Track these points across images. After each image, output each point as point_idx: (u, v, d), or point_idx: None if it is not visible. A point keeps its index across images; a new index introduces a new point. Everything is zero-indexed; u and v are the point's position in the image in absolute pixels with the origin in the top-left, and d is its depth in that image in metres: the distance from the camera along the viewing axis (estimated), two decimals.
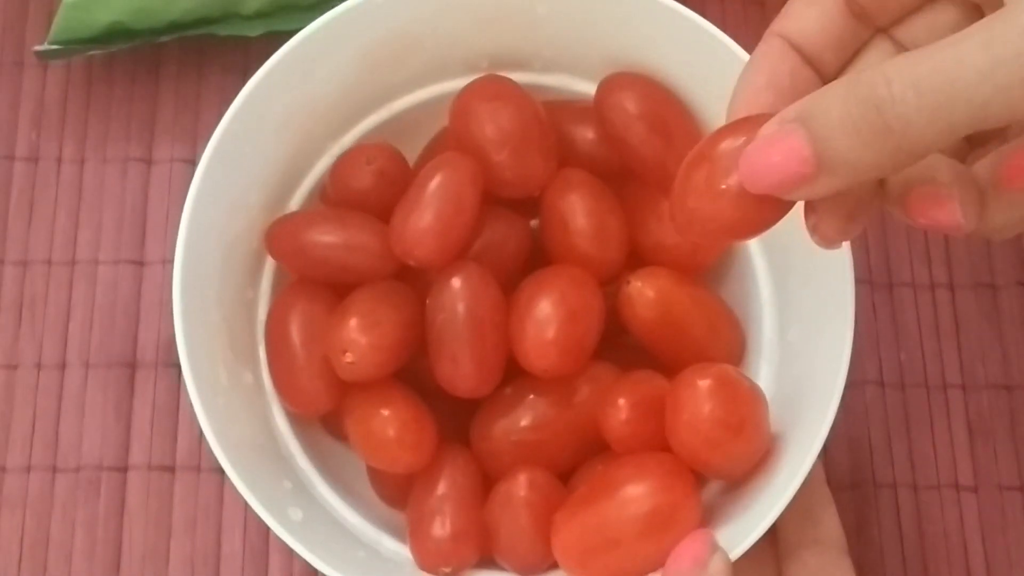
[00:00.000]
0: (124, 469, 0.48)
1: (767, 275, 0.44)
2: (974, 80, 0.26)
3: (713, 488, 0.42)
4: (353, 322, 0.40)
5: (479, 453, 0.42)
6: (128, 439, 0.49)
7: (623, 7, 0.43)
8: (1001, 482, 0.49)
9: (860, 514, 0.48)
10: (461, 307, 0.41)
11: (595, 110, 0.45)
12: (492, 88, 0.44)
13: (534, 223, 0.45)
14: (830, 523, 0.42)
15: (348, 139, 0.46)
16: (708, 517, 0.40)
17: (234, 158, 0.42)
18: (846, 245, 0.40)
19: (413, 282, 0.43)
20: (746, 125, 0.30)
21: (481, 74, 0.45)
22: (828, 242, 0.31)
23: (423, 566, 0.41)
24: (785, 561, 0.41)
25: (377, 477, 0.44)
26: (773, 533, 0.42)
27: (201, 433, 0.43)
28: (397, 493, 0.44)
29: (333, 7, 0.42)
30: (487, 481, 0.42)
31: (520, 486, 0.40)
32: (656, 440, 0.39)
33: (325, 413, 0.43)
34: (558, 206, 0.43)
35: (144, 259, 0.51)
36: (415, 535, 0.41)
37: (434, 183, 0.42)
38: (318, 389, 0.42)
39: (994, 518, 0.48)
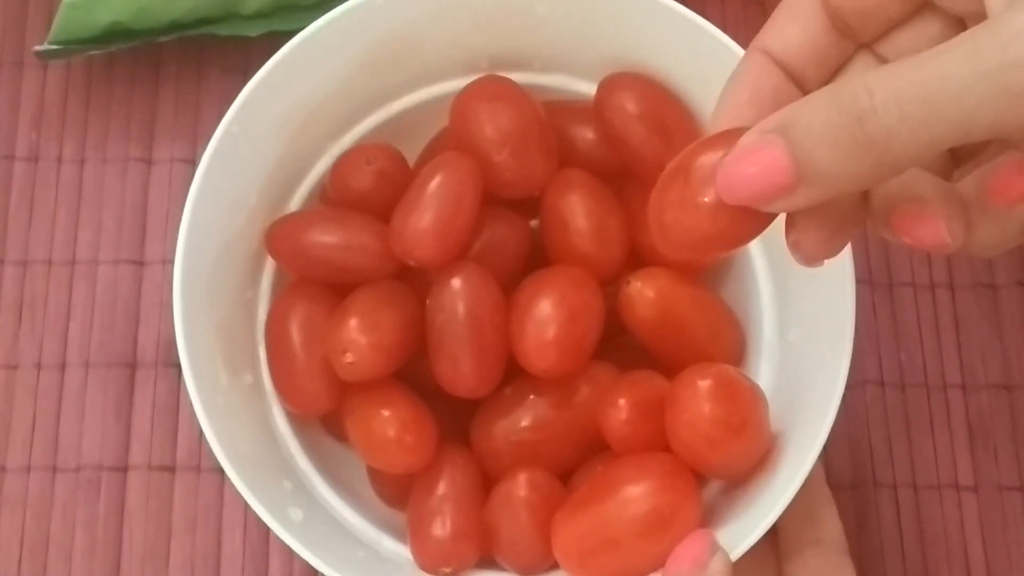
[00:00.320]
0: (124, 469, 0.48)
1: (767, 275, 0.44)
2: (956, 93, 0.25)
3: (713, 488, 0.42)
4: (353, 322, 0.40)
5: (479, 453, 0.42)
6: (128, 439, 0.49)
7: (623, 7, 0.43)
8: (1001, 482, 0.49)
9: (860, 514, 0.48)
10: (461, 307, 0.41)
11: (595, 110, 0.45)
12: (492, 88, 0.44)
13: (534, 223, 0.45)
14: (831, 523, 0.42)
15: (348, 139, 0.46)
16: (708, 517, 0.40)
17: (234, 158, 0.42)
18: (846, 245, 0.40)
19: (413, 282, 0.43)
20: (724, 139, 0.30)
21: (481, 74, 0.45)
22: (809, 260, 0.30)
23: (423, 566, 0.41)
24: (786, 561, 0.41)
25: (377, 477, 0.44)
26: (774, 533, 0.42)
27: (201, 433, 0.43)
28: (397, 493, 0.44)
29: (333, 7, 0.42)
30: (487, 481, 0.42)
31: (520, 486, 0.40)
32: (656, 440, 0.39)
33: (325, 413, 0.43)
34: (558, 206, 0.43)
35: (144, 259, 0.51)
36: (415, 535, 0.41)
37: (434, 183, 0.42)
38: (318, 389, 0.42)
39: (994, 518, 0.48)
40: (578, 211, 0.43)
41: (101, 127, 0.53)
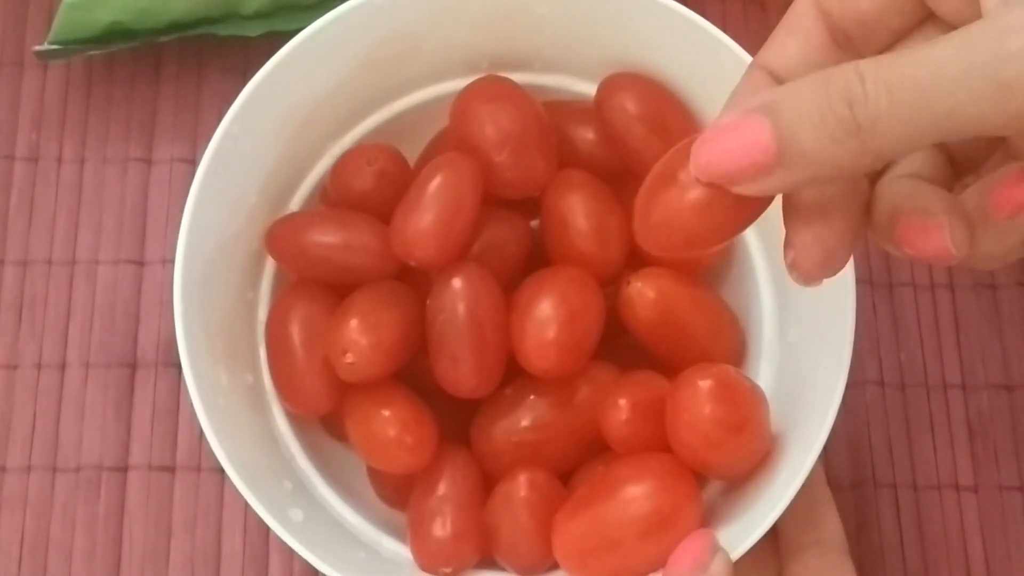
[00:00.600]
0: (124, 469, 0.48)
1: (768, 275, 0.44)
2: (947, 83, 0.25)
3: (714, 488, 0.42)
4: (353, 323, 0.40)
5: (479, 453, 0.42)
6: (128, 439, 0.49)
7: (623, 7, 0.43)
8: (1001, 482, 0.49)
9: (860, 514, 0.48)
10: (461, 307, 0.41)
11: (595, 110, 0.45)
12: (492, 89, 0.44)
13: (534, 223, 0.45)
14: (831, 524, 0.42)
15: (348, 139, 0.46)
16: (709, 517, 0.40)
17: (234, 158, 0.42)
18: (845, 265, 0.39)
19: (413, 282, 0.43)
20: None
21: (481, 75, 0.45)
22: (807, 279, 0.30)
23: (423, 566, 0.41)
24: (786, 562, 0.41)
25: (377, 477, 0.44)
26: (774, 534, 0.42)
27: (201, 433, 0.43)
28: (397, 493, 0.44)
29: (333, 7, 0.42)
30: (487, 481, 0.42)
31: (520, 486, 0.40)
32: (656, 440, 0.39)
33: (325, 414, 0.43)
34: (558, 206, 0.43)
35: (144, 259, 0.51)
36: (415, 535, 0.41)
37: (434, 184, 0.42)
38: (318, 390, 0.42)
39: (994, 518, 0.48)
40: (578, 211, 0.43)
41: (101, 127, 0.53)
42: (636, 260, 0.44)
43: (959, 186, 0.33)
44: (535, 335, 0.40)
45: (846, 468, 0.49)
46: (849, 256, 0.31)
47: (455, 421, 0.43)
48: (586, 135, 0.46)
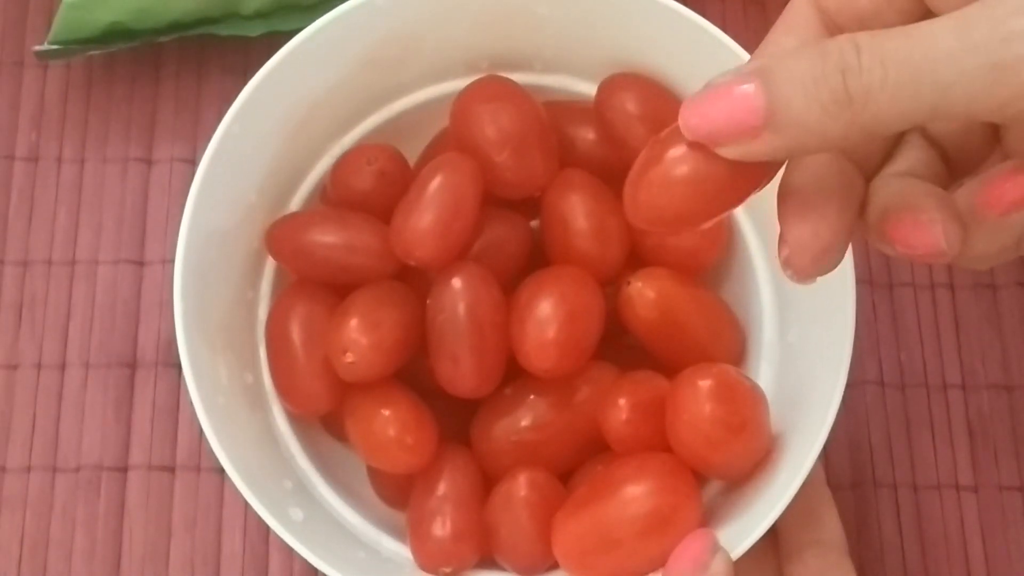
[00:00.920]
0: (124, 469, 0.48)
1: (768, 275, 0.44)
2: (941, 62, 0.25)
3: (713, 488, 0.42)
4: (353, 322, 0.40)
5: (479, 453, 0.42)
6: (128, 439, 0.49)
7: (623, 7, 0.43)
8: (1001, 482, 0.49)
9: (860, 514, 0.48)
10: (461, 307, 0.41)
11: (595, 111, 0.45)
12: (493, 89, 0.44)
13: (534, 223, 0.45)
14: (831, 524, 0.42)
15: (349, 139, 0.46)
16: (709, 517, 0.40)
17: (234, 158, 0.42)
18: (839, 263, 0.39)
19: (413, 282, 0.43)
20: None
21: (482, 75, 0.45)
22: (801, 277, 0.30)
23: (423, 566, 0.41)
24: (786, 562, 0.41)
25: (377, 477, 0.44)
26: (774, 534, 0.42)
27: (201, 433, 0.43)
28: (397, 493, 0.44)
29: (333, 7, 0.42)
30: (487, 481, 0.42)
31: (520, 486, 0.40)
32: (656, 440, 0.39)
33: (325, 413, 0.43)
34: (558, 206, 0.43)
35: (144, 259, 0.51)
36: (415, 535, 0.41)
37: (435, 183, 0.42)
38: (318, 389, 0.42)
39: (994, 518, 0.48)
40: (578, 211, 0.43)
41: (101, 127, 0.53)
42: (636, 260, 0.44)
43: (955, 187, 0.33)
44: (535, 335, 0.40)
45: (846, 468, 0.49)
46: (843, 254, 0.30)
47: (455, 421, 0.43)
48: (586, 135, 0.46)
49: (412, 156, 0.46)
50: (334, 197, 0.45)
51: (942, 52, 0.25)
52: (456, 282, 0.41)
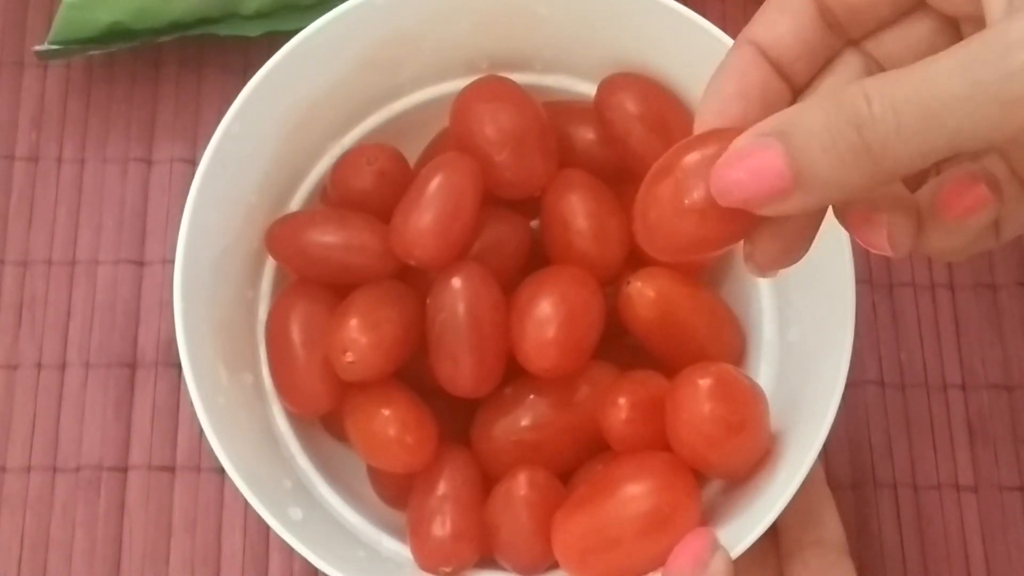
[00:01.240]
0: (124, 469, 0.48)
1: None
2: (951, 103, 0.26)
3: (713, 487, 0.42)
4: (353, 322, 0.40)
5: (479, 453, 0.42)
6: (128, 439, 0.49)
7: (623, 7, 0.43)
8: (1001, 482, 0.49)
9: (860, 514, 0.48)
10: (461, 307, 0.41)
11: (595, 110, 0.45)
12: (492, 89, 0.44)
13: (534, 223, 0.45)
14: (831, 524, 0.42)
15: (349, 139, 0.46)
16: (708, 516, 0.40)
17: (234, 158, 0.42)
18: (846, 245, 0.40)
19: (413, 282, 0.43)
20: (712, 138, 0.30)
21: (482, 75, 0.45)
22: (761, 271, 0.31)
23: (423, 566, 0.41)
24: (786, 562, 0.41)
25: (377, 477, 0.44)
26: (774, 534, 0.42)
27: (201, 433, 0.43)
28: (397, 493, 0.44)
29: (333, 7, 0.42)
30: (487, 481, 0.42)
31: (520, 485, 0.40)
32: (656, 439, 0.39)
33: (325, 413, 0.43)
34: (558, 206, 0.43)
35: (144, 259, 0.51)
36: (415, 535, 0.41)
37: (434, 183, 0.42)
38: (318, 389, 0.42)
39: (994, 518, 0.48)
40: (578, 211, 0.43)
41: (101, 127, 0.53)
42: (636, 260, 0.44)
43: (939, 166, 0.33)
44: (535, 334, 0.40)
45: (846, 468, 0.49)
46: (807, 249, 0.31)
47: (455, 421, 0.43)
48: (586, 135, 0.46)
49: (412, 156, 0.46)
50: (334, 197, 0.45)
51: (951, 94, 0.26)
52: (456, 282, 0.41)
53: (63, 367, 0.50)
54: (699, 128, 0.32)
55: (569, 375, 0.41)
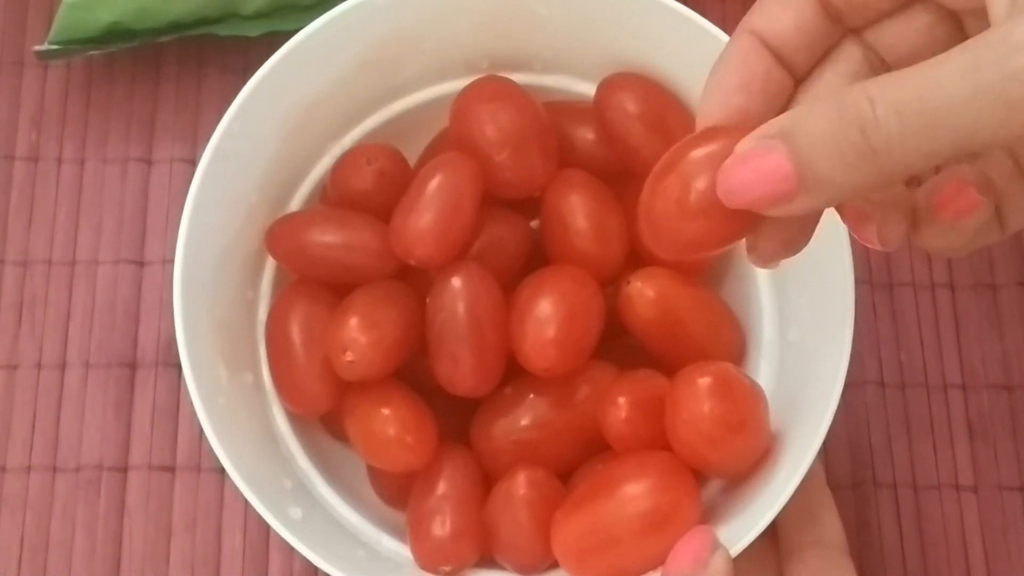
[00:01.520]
0: (124, 469, 0.48)
1: (767, 275, 0.44)
2: (955, 105, 0.26)
3: (713, 487, 0.42)
4: (353, 321, 0.40)
5: (479, 453, 0.42)
6: (128, 439, 0.49)
7: (623, 7, 0.43)
8: (1001, 482, 0.49)
9: (860, 514, 0.48)
10: (461, 307, 0.41)
11: (595, 110, 0.45)
12: (492, 89, 0.44)
13: (534, 223, 0.45)
14: (831, 524, 0.42)
15: (349, 139, 0.46)
16: (708, 516, 0.40)
17: (234, 158, 0.42)
18: (846, 245, 0.40)
19: (413, 282, 0.43)
20: (714, 136, 0.30)
21: (482, 75, 0.45)
22: (764, 262, 0.31)
23: (423, 565, 0.41)
24: (786, 562, 0.41)
25: (377, 477, 0.44)
26: (774, 534, 0.42)
27: (201, 433, 0.43)
28: (397, 493, 0.44)
29: (333, 7, 0.42)
30: (487, 481, 0.42)
31: (520, 485, 0.40)
32: (656, 439, 0.39)
33: (325, 413, 0.43)
34: (558, 206, 0.43)
35: (144, 259, 0.51)
36: (415, 534, 0.41)
37: (434, 183, 0.42)
38: (318, 389, 0.42)
39: (994, 518, 0.48)
40: (578, 211, 0.43)
41: (101, 127, 0.53)
42: (636, 260, 0.44)
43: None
44: (535, 334, 0.40)
45: (846, 468, 0.49)
46: (808, 240, 0.31)
47: (455, 420, 0.43)
48: (586, 135, 0.46)
49: (412, 156, 0.46)
50: (334, 197, 0.45)
51: (954, 96, 0.26)
52: (456, 281, 0.41)
53: (63, 367, 0.50)
54: (702, 122, 0.32)
55: (569, 375, 0.41)
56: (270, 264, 0.45)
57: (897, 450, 0.49)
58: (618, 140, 0.44)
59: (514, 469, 0.41)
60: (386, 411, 0.41)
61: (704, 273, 0.46)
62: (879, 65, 0.32)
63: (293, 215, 0.45)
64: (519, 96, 0.44)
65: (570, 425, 0.42)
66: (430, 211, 0.41)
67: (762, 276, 0.44)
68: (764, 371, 0.43)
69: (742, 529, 0.38)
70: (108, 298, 0.50)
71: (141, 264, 0.51)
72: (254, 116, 0.42)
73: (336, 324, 0.41)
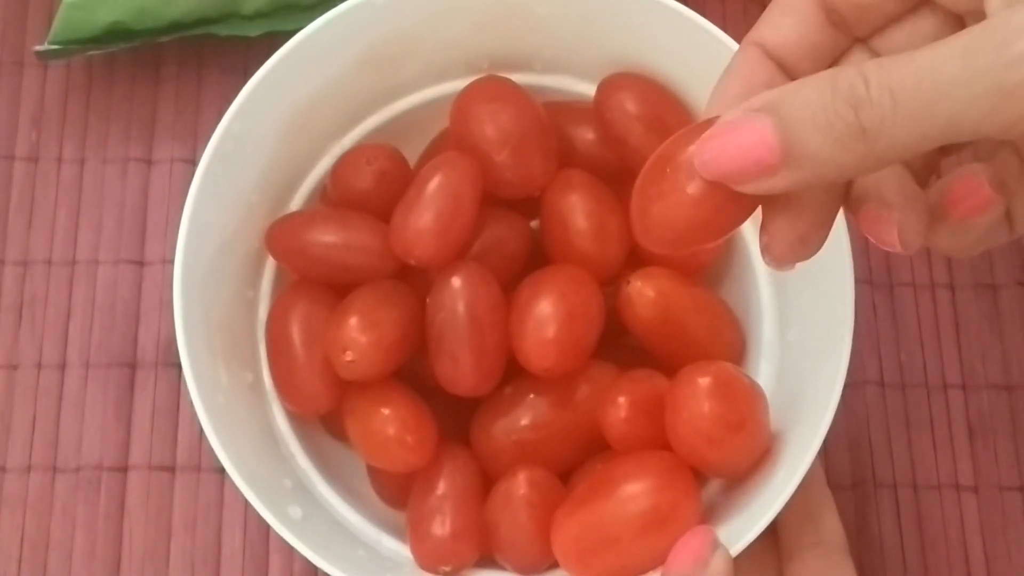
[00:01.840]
0: (124, 469, 0.48)
1: (767, 275, 0.44)
2: (949, 89, 0.25)
3: (713, 486, 0.42)
4: (353, 321, 0.40)
5: (479, 452, 0.42)
6: (128, 439, 0.49)
7: (623, 7, 0.43)
8: (1001, 482, 0.49)
9: (860, 514, 0.48)
10: (461, 306, 0.41)
11: (595, 110, 0.45)
12: (492, 89, 0.44)
13: (534, 223, 0.45)
14: (831, 524, 0.42)
15: (349, 139, 0.46)
16: (708, 515, 0.40)
17: (234, 158, 0.42)
18: (846, 244, 0.40)
19: (413, 282, 0.43)
20: (703, 129, 0.30)
21: (482, 75, 0.45)
22: (779, 263, 0.31)
23: (423, 565, 0.41)
24: (787, 562, 0.41)
25: (377, 476, 0.44)
26: (774, 534, 0.42)
27: (201, 433, 0.43)
28: (397, 492, 0.44)
29: (333, 7, 0.42)
30: (487, 480, 0.42)
31: (520, 485, 0.40)
32: (656, 438, 0.39)
33: (325, 413, 0.43)
34: (558, 206, 0.43)
35: (144, 259, 0.51)
36: (415, 534, 0.41)
37: (434, 183, 0.42)
38: (318, 389, 0.42)
39: (994, 518, 0.48)
40: (578, 211, 0.43)
41: (101, 127, 0.53)
42: (636, 260, 0.44)
43: (946, 162, 0.33)
44: (535, 334, 0.40)
45: (846, 468, 0.49)
46: (823, 242, 0.31)
47: (455, 420, 0.43)
48: (586, 135, 0.46)
49: (412, 156, 0.46)
50: (334, 197, 0.45)
51: (949, 80, 0.25)
52: (456, 281, 0.41)
53: (63, 367, 0.50)
54: None
55: (569, 374, 0.41)
56: (270, 264, 0.45)
57: (897, 450, 0.49)
58: (618, 140, 0.44)
59: (514, 469, 0.41)
60: (386, 411, 0.41)
61: (704, 273, 0.46)
62: None
63: (293, 215, 0.45)
64: (519, 96, 0.44)
65: (570, 425, 0.42)
66: (430, 211, 0.41)
67: (762, 276, 0.44)
68: (764, 371, 0.43)
69: (742, 529, 0.38)
70: (108, 298, 0.50)
71: (141, 264, 0.51)
72: (254, 116, 0.42)
73: (336, 324, 0.41)
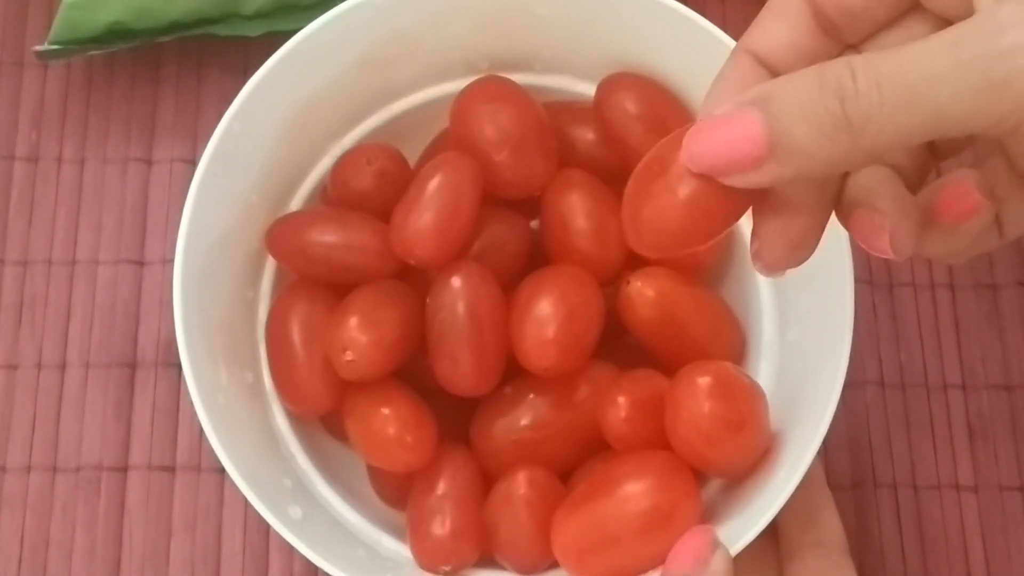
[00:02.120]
0: (124, 469, 0.48)
1: None
2: (936, 82, 0.25)
3: (713, 486, 0.42)
4: (353, 321, 0.40)
5: (479, 452, 0.42)
6: (128, 439, 0.49)
7: (623, 7, 0.43)
8: (1001, 482, 0.49)
9: (860, 514, 0.48)
10: (461, 306, 0.41)
11: (595, 110, 0.45)
12: (492, 89, 0.44)
13: (534, 223, 0.45)
14: (831, 524, 0.42)
15: (349, 139, 0.46)
16: (708, 515, 0.40)
17: (234, 158, 0.42)
18: (845, 245, 0.40)
19: (413, 281, 0.43)
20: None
21: (481, 75, 0.45)
22: (769, 269, 0.31)
23: (423, 565, 0.41)
24: (787, 562, 0.41)
25: (377, 476, 0.44)
26: (774, 535, 0.42)
27: (201, 433, 0.43)
28: (397, 492, 0.44)
29: (333, 7, 0.42)
30: (487, 480, 0.42)
31: (520, 484, 0.40)
32: (656, 438, 0.39)
33: (325, 413, 0.43)
34: (558, 206, 0.43)
35: (144, 259, 0.51)
36: (415, 534, 0.41)
37: (434, 183, 0.42)
38: (318, 389, 0.42)
39: (994, 518, 0.48)
40: (578, 211, 0.43)
41: (101, 127, 0.53)
42: (636, 260, 0.44)
43: (944, 166, 0.33)
44: (535, 334, 0.40)
45: (846, 468, 0.49)
46: (813, 249, 0.31)
47: (455, 420, 0.43)
48: (586, 135, 0.46)
49: (412, 156, 0.46)
50: (334, 197, 0.45)
51: (937, 72, 0.25)
52: (456, 281, 0.41)
53: (63, 367, 0.50)
54: None
55: (569, 374, 0.41)
56: (270, 264, 0.45)
57: (897, 450, 0.49)
58: (618, 140, 0.44)
59: (514, 469, 0.41)
60: (386, 411, 0.41)
61: (704, 273, 0.46)
62: None
63: (293, 215, 0.45)
64: (519, 96, 0.44)
65: (570, 425, 0.42)
66: (430, 211, 0.41)
67: (762, 276, 0.44)
68: (764, 371, 0.43)
69: (742, 529, 0.38)
70: (108, 298, 0.50)
71: (141, 264, 0.51)
72: (254, 116, 0.42)
73: (336, 324, 0.41)
